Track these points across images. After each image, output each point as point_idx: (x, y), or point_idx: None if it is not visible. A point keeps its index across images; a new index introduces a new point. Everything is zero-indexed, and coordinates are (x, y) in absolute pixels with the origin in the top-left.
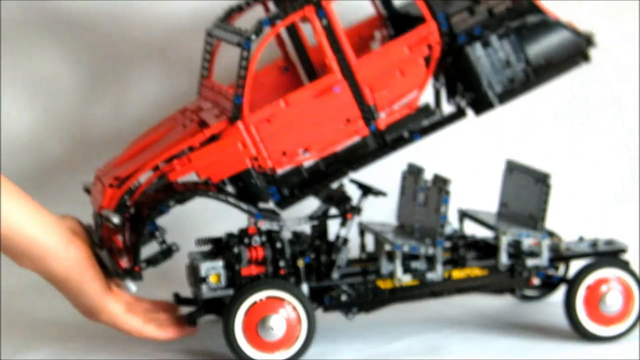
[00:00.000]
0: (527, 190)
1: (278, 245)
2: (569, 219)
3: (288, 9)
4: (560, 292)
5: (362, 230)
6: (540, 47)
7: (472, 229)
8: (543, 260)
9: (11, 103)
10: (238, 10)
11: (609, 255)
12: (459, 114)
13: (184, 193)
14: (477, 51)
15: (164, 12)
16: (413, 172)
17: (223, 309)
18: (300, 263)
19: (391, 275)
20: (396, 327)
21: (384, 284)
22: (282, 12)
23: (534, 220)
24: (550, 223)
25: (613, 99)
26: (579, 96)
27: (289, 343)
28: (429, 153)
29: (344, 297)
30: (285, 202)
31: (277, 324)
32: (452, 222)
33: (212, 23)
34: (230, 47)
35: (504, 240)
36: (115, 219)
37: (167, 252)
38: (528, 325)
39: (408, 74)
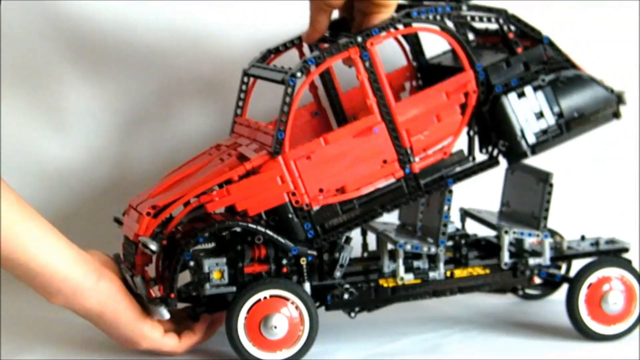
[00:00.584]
0: (529, 189)
1: None
2: (570, 218)
3: (333, 50)
4: (562, 291)
5: (365, 229)
6: (573, 100)
7: (474, 228)
8: (545, 259)
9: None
10: (275, 52)
11: (611, 254)
12: (492, 162)
13: (222, 224)
14: (512, 101)
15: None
16: None
17: (225, 305)
18: (303, 261)
19: (393, 274)
20: (397, 326)
21: (386, 283)
22: (327, 52)
23: (536, 219)
24: (551, 222)
25: None
26: None
27: (291, 342)
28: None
29: (346, 296)
30: (318, 238)
31: (280, 323)
32: (454, 221)
33: (248, 64)
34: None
35: (506, 239)
36: (153, 246)
37: (199, 284)
38: (529, 324)
39: (444, 120)
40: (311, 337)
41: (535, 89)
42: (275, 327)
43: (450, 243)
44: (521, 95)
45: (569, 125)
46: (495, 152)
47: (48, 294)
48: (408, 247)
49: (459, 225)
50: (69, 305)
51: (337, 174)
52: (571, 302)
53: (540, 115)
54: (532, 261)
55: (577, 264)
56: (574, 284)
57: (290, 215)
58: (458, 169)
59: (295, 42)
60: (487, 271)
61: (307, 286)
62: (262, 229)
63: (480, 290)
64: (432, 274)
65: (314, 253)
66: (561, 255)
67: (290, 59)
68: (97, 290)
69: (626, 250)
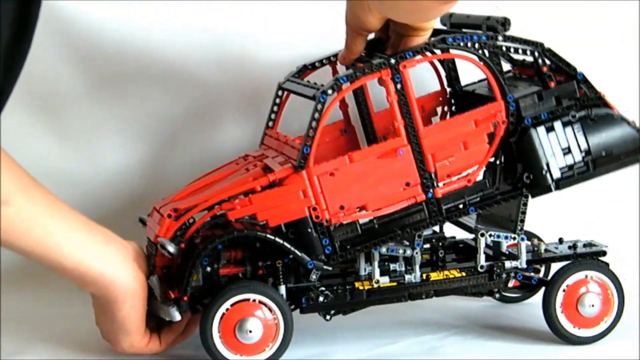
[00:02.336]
0: None
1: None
2: (550, 221)
3: (366, 69)
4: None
5: None
6: (602, 139)
7: (452, 231)
8: (521, 261)
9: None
10: (311, 67)
11: (588, 257)
12: (515, 193)
13: (242, 232)
14: (540, 135)
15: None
16: None
17: (200, 306)
18: (279, 264)
19: (370, 276)
20: (393, 329)
21: (361, 286)
22: (360, 72)
23: (513, 222)
24: (531, 225)
25: (613, 99)
26: None
27: (266, 345)
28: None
29: (321, 299)
30: (335, 255)
31: (255, 327)
32: None
33: (284, 78)
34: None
35: (483, 242)
36: (171, 248)
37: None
38: (527, 327)
39: (471, 147)
40: (286, 339)
41: (565, 124)
42: (250, 332)
43: (427, 246)
44: (550, 129)
45: (595, 164)
46: (520, 184)
47: (82, 285)
48: (384, 250)
49: (436, 227)
50: (98, 294)
51: (359, 193)
52: (547, 305)
53: (567, 150)
54: (508, 264)
55: (556, 267)
56: (551, 286)
57: (309, 230)
58: (481, 197)
59: (332, 60)
60: (464, 274)
61: (282, 289)
62: (280, 241)
63: (456, 294)
64: (408, 277)
65: (330, 268)
66: (538, 258)
67: (326, 74)
68: (124, 290)
69: (603, 253)
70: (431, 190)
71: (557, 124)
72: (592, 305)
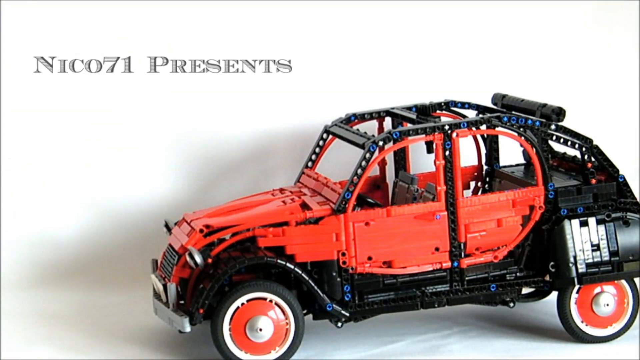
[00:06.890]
0: None
1: None
2: None
3: (419, 130)
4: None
5: None
6: (632, 243)
7: None
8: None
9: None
10: (360, 118)
11: None
12: (537, 280)
13: (272, 260)
14: (574, 227)
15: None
16: (405, 181)
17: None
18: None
19: None
20: (396, 327)
21: None
22: (413, 131)
23: None
24: None
25: (613, 98)
26: (579, 95)
27: (272, 348)
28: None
29: None
30: (353, 304)
31: (265, 326)
32: None
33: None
34: None
35: None
36: (199, 259)
37: None
38: (528, 325)
39: (504, 226)
40: (294, 345)
41: (599, 222)
42: (260, 330)
43: None
44: (583, 224)
45: (620, 266)
46: (543, 271)
47: None
48: None
49: None
50: None
51: (389, 247)
52: (562, 306)
53: (596, 248)
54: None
55: None
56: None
57: (334, 274)
58: (503, 275)
59: (381, 115)
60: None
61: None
62: (306, 278)
63: (469, 302)
64: None
65: (347, 315)
66: None
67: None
68: None
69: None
70: (457, 260)
71: (592, 221)
72: (607, 304)
